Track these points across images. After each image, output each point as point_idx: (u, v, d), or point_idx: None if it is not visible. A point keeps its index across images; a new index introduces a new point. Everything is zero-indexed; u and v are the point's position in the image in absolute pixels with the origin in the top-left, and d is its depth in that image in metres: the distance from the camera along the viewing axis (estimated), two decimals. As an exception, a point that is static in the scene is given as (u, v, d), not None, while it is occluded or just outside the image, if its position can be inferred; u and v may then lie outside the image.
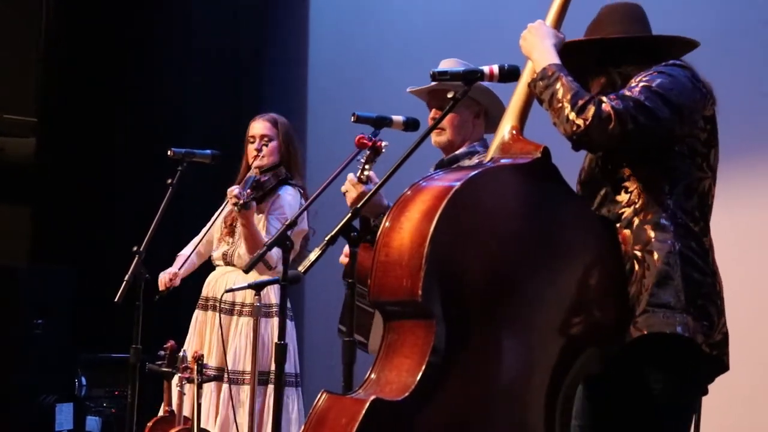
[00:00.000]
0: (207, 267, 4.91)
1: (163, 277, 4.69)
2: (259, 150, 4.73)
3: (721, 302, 2.71)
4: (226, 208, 4.75)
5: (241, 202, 4.36)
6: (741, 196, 4.64)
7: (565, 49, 2.81)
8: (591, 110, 2.59)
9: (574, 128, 2.61)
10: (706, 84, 2.75)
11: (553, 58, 2.74)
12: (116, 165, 6.54)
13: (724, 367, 2.71)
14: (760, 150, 4.78)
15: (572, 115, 2.61)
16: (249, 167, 4.76)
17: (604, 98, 2.62)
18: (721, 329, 2.68)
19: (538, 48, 2.78)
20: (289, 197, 4.70)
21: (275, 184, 4.73)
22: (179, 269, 4.72)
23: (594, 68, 2.84)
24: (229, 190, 4.48)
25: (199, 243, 4.79)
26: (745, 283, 4.75)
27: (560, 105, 2.64)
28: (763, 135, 4.65)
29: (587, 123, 2.59)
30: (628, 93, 2.64)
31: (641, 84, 2.66)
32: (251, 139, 4.78)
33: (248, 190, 4.43)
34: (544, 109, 2.73)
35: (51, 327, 6.00)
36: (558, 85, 2.67)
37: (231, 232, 4.77)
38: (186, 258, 4.79)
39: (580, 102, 2.62)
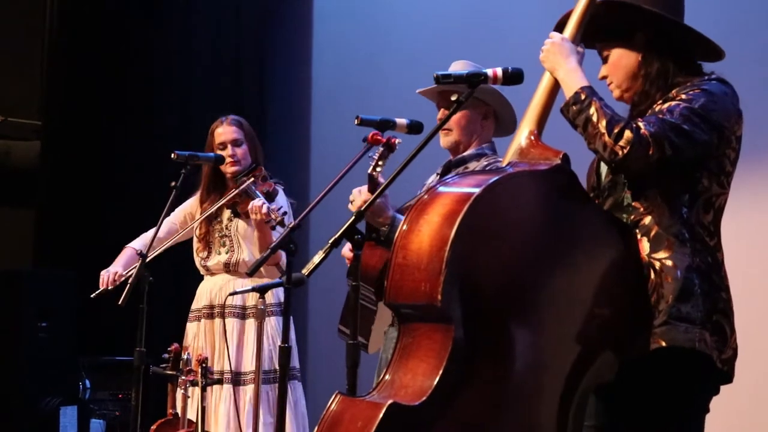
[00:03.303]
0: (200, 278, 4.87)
1: (105, 276, 4.62)
2: (233, 156, 4.68)
3: (732, 317, 2.72)
4: (185, 208, 4.74)
5: (278, 220, 4.32)
6: (742, 198, 4.64)
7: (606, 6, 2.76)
8: (629, 137, 2.58)
9: (613, 156, 2.61)
10: (739, 100, 2.75)
11: (583, 80, 2.72)
12: (120, 168, 6.55)
13: (729, 381, 2.74)
14: (761, 151, 4.79)
15: (610, 143, 2.60)
16: (216, 173, 4.73)
17: (641, 123, 2.61)
18: (731, 345, 2.70)
19: (564, 67, 2.75)
20: (279, 194, 4.70)
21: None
22: (122, 269, 4.63)
23: (631, 40, 2.78)
24: (256, 207, 4.36)
25: (153, 239, 4.63)
26: (748, 284, 4.75)
27: (596, 131, 2.63)
28: (764, 136, 4.65)
29: (626, 151, 2.58)
30: (667, 116, 2.62)
31: (683, 104, 2.64)
32: (221, 146, 4.70)
33: (274, 207, 4.36)
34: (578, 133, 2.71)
35: (55, 330, 6.01)
36: (592, 110, 2.65)
37: (206, 247, 4.75)
38: (135, 251, 4.68)
39: (617, 129, 2.60)
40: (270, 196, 4.52)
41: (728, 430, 4.63)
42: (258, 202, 4.37)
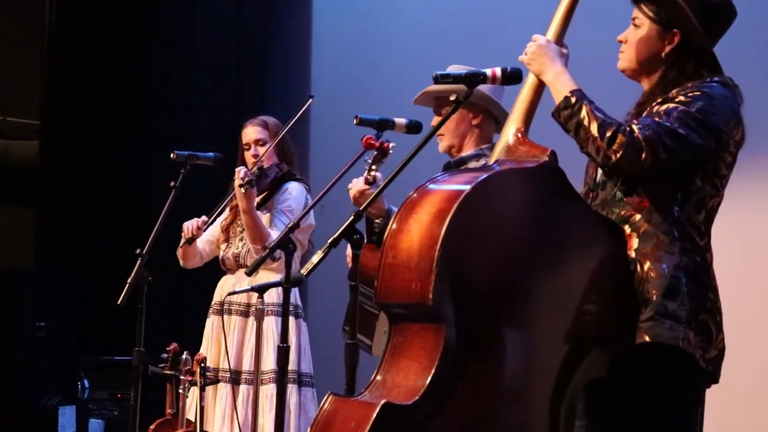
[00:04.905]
0: (218, 272, 4.87)
1: (192, 225, 4.62)
2: (256, 156, 4.71)
3: (720, 318, 2.73)
4: (224, 212, 4.76)
5: (246, 179, 4.37)
6: (740, 198, 4.64)
7: None
8: (622, 140, 2.58)
9: (606, 160, 2.61)
10: (739, 104, 2.74)
11: (571, 83, 2.71)
12: (119, 167, 6.54)
13: (714, 381, 2.74)
14: (759, 152, 4.79)
15: (603, 147, 2.60)
16: None
17: (635, 126, 2.60)
18: (717, 345, 2.70)
19: (551, 70, 2.75)
20: (294, 191, 4.71)
21: (280, 176, 4.73)
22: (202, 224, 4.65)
23: (667, 29, 2.75)
24: (236, 170, 4.49)
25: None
26: (744, 284, 4.76)
27: (588, 136, 2.63)
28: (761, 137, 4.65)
29: (619, 155, 2.58)
30: (663, 119, 2.62)
31: (680, 107, 2.64)
32: (246, 147, 4.77)
33: (252, 171, 4.47)
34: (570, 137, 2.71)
35: (54, 329, 6.00)
36: (583, 114, 2.65)
37: (227, 238, 4.78)
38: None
39: (609, 132, 2.60)
40: (262, 173, 4.54)
41: (725, 430, 4.63)
42: (239, 167, 4.49)
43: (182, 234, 4.66)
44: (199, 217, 4.70)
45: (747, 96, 2.80)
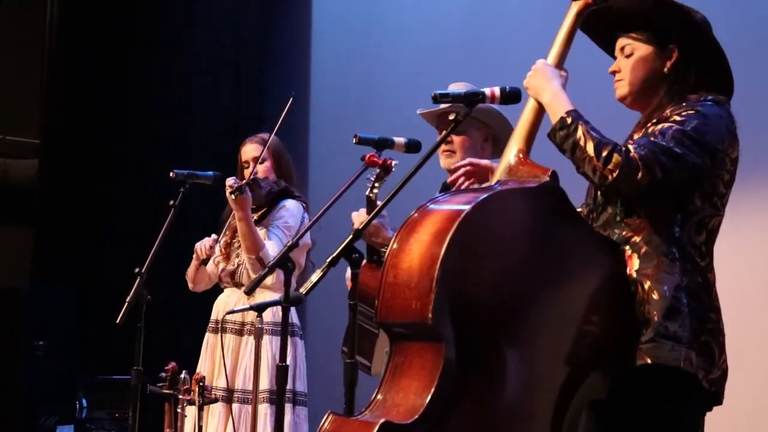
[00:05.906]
0: (217, 290, 4.87)
1: (204, 246, 4.62)
2: (254, 174, 4.70)
3: (722, 339, 2.72)
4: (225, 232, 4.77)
5: (236, 186, 4.36)
6: (740, 217, 4.64)
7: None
8: (618, 160, 2.58)
9: (603, 180, 2.61)
10: (735, 123, 2.75)
11: (568, 104, 2.72)
12: (118, 186, 6.55)
13: (718, 402, 2.73)
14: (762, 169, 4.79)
15: (599, 166, 2.60)
16: None
17: (631, 146, 2.61)
18: (720, 366, 2.70)
19: (548, 91, 2.76)
20: (292, 207, 4.70)
21: (277, 191, 4.72)
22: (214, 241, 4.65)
23: (664, 47, 2.77)
24: (226, 180, 4.48)
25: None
26: (749, 297, 4.75)
27: (584, 156, 2.63)
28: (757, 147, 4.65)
29: (615, 175, 2.59)
30: (659, 138, 2.63)
31: (675, 126, 2.65)
32: (245, 165, 4.77)
33: (243, 181, 4.45)
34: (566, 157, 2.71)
35: (52, 348, 6.00)
36: (579, 134, 2.65)
37: (227, 257, 4.76)
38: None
39: (605, 152, 2.60)
40: (255, 182, 4.54)
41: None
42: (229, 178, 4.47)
43: (194, 255, 4.65)
44: (200, 233, 4.70)
45: (744, 112, 2.80)
